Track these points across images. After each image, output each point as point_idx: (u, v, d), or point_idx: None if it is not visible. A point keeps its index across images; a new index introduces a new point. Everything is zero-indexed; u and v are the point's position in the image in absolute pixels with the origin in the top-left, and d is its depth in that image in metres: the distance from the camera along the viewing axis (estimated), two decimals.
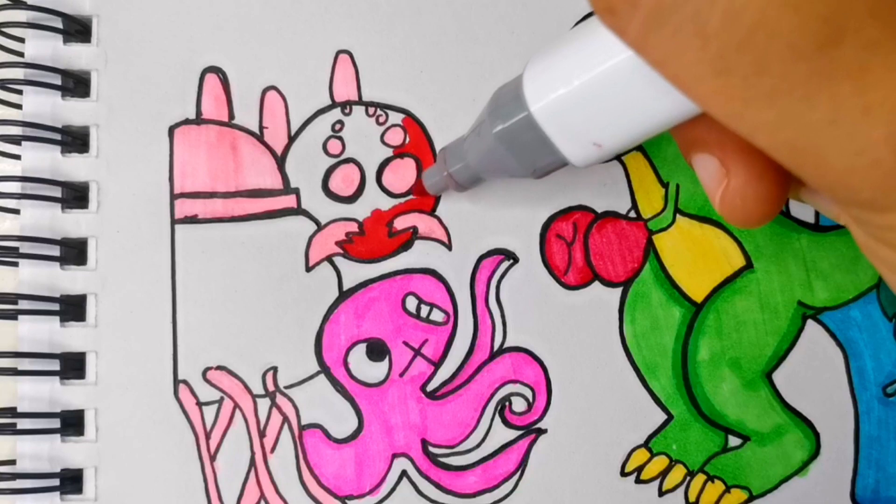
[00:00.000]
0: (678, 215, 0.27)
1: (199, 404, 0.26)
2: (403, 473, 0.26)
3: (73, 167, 0.26)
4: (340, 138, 0.26)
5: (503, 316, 0.26)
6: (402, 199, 0.26)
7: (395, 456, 0.26)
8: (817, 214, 0.27)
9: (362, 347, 0.26)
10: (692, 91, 0.14)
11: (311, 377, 0.26)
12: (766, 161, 0.18)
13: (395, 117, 0.27)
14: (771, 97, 0.13)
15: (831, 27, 0.12)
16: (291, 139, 0.26)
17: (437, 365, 0.26)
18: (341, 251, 0.26)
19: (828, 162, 0.13)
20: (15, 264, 0.25)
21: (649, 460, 0.26)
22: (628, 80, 0.17)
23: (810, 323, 0.27)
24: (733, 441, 0.27)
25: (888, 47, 0.12)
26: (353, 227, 0.26)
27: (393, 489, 0.26)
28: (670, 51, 0.14)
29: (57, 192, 0.26)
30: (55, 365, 0.25)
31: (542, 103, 0.19)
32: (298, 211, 0.26)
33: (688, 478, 0.26)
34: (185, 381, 0.26)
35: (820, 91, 0.13)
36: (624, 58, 0.17)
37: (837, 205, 0.16)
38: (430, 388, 0.26)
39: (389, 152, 0.26)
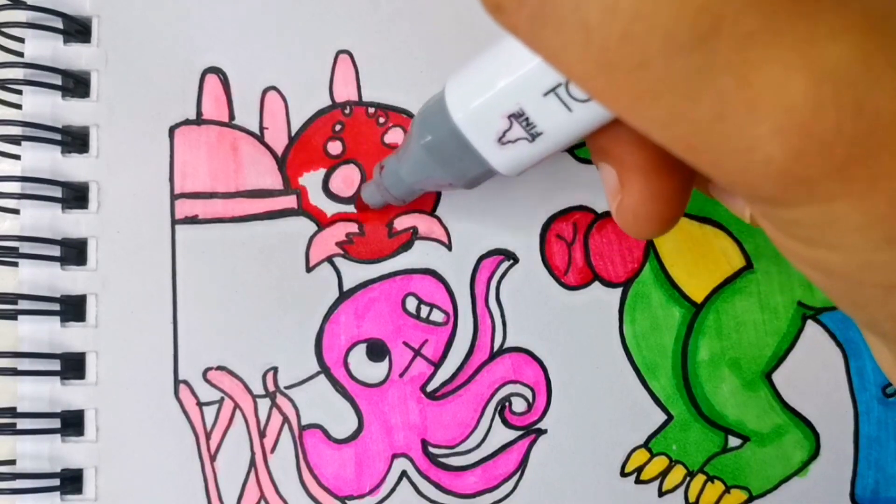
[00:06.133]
0: None
1: (200, 404, 0.26)
2: (403, 474, 0.26)
3: (73, 167, 0.26)
4: (341, 139, 0.26)
5: (503, 316, 0.26)
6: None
7: (394, 456, 0.26)
8: None
9: (362, 348, 0.26)
10: (585, 86, 0.14)
11: (311, 377, 0.26)
12: (661, 182, 0.18)
13: (396, 118, 0.27)
14: (656, 93, 0.13)
15: (707, 17, 0.12)
16: (292, 140, 0.26)
17: (436, 365, 0.26)
18: (341, 252, 0.26)
19: (723, 160, 0.13)
20: (15, 264, 0.25)
21: (649, 461, 0.26)
22: (539, 82, 0.17)
23: (810, 323, 0.27)
24: (733, 441, 0.27)
25: (767, 39, 0.12)
26: (354, 228, 0.26)
27: (393, 489, 0.26)
28: (558, 46, 0.13)
29: (57, 192, 0.26)
30: (55, 365, 0.25)
31: (463, 112, 0.19)
32: (299, 211, 0.26)
33: (688, 478, 0.26)
34: (185, 382, 0.26)
35: (703, 86, 0.12)
36: (535, 64, 0.17)
37: (745, 201, 0.16)
38: (429, 388, 0.26)
39: (390, 153, 0.26)
